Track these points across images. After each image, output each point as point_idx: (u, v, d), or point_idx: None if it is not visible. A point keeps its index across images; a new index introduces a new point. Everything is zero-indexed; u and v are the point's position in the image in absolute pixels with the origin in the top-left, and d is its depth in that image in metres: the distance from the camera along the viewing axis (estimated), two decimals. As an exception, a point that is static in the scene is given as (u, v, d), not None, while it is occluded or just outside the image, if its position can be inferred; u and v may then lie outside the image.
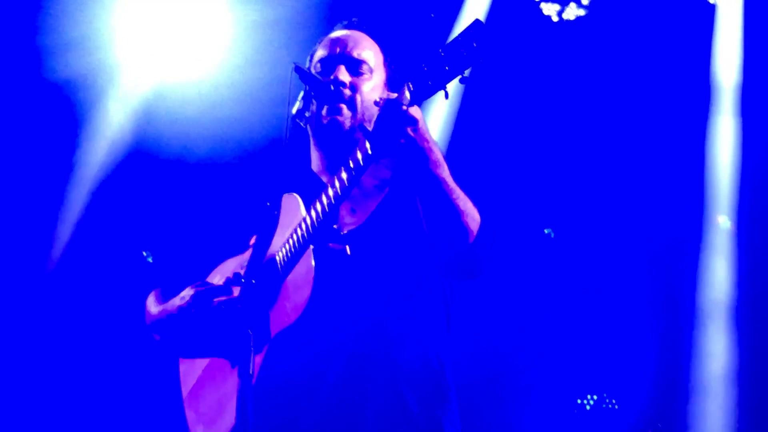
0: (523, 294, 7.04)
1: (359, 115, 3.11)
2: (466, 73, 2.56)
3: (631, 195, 7.00)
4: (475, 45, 2.51)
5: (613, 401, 7.07)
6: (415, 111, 2.68)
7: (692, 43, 6.60)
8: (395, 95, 2.68)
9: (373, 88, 3.16)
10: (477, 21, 2.53)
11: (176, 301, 3.12)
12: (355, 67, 3.17)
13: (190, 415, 3.20)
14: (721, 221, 6.82)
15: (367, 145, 2.75)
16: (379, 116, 2.70)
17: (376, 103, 2.74)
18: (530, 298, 7.06)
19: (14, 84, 6.33)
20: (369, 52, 3.21)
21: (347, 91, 3.11)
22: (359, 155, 2.78)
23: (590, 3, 6.68)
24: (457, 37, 2.56)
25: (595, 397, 7.12)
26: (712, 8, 6.57)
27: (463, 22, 6.45)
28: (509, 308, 7.01)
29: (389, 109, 2.67)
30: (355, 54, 3.18)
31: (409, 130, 2.68)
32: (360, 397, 2.92)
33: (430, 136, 2.76)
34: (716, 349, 6.65)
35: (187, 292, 3.09)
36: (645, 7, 6.55)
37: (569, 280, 7.12)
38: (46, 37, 6.17)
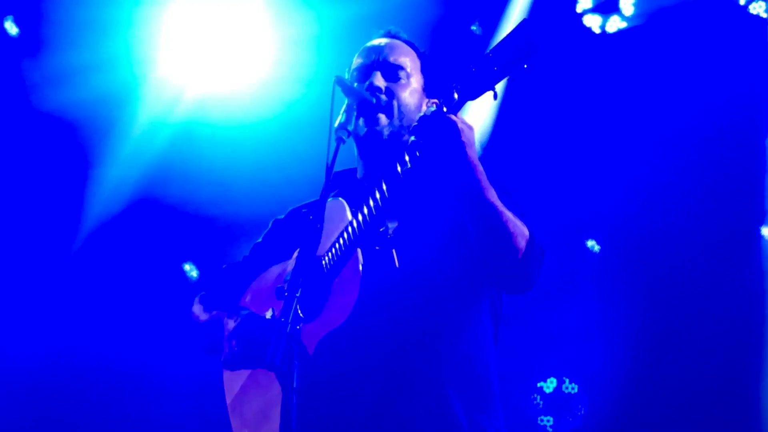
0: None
1: (397, 122, 3.12)
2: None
3: (675, 207, 6.88)
4: (524, 44, 2.54)
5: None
6: (454, 117, 2.70)
7: (743, 55, 6.47)
8: (434, 101, 2.68)
9: (410, 93, 3.16)
10: (525, 20, 2.56)
11: (227, 323, 3.15)
12: (392, 72, 3.17)
13: (234, 421, 3.21)
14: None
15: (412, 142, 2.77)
16: (421, 119, 2.74)
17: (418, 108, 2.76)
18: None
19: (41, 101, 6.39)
20: (405, 57, 3.22)
21: (384, 97, 3.12)
22: (407, 158, 2.79)
23: (633, 15, 6.61)
24: (505, 38, 2.59)
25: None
26: (764, 22, 6.45)
27: (503, 33, 6.42)
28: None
29: (432, 114, 2.71)
30: (391, 59, 3.19)
31: (449, 132, 2.69)
32: (406, 399, 2.91)
33: (475, 156, 2.76)
34: None
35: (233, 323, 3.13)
36: (691, 18, 6.45)
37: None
38: (77, 54, 6.25)
